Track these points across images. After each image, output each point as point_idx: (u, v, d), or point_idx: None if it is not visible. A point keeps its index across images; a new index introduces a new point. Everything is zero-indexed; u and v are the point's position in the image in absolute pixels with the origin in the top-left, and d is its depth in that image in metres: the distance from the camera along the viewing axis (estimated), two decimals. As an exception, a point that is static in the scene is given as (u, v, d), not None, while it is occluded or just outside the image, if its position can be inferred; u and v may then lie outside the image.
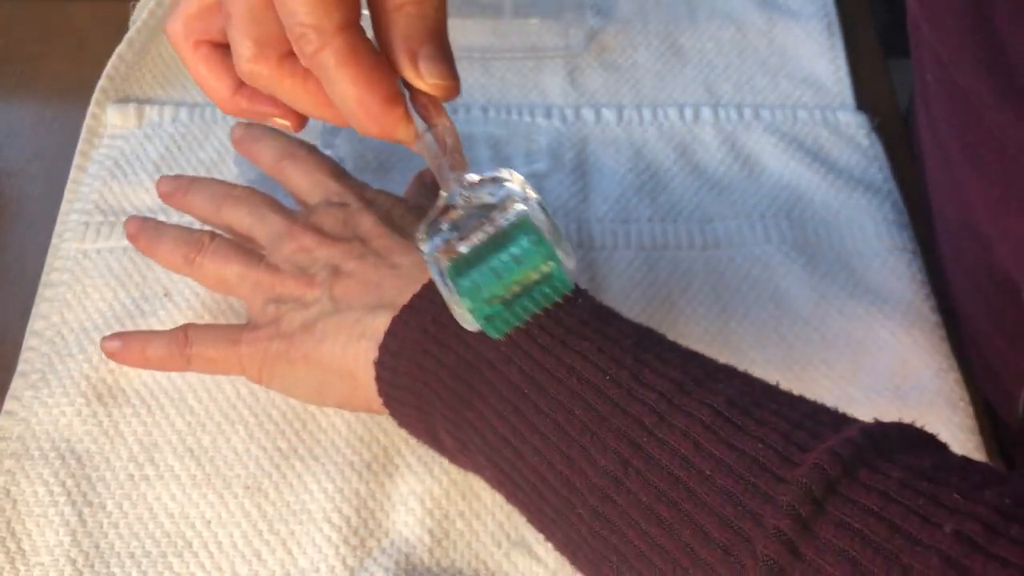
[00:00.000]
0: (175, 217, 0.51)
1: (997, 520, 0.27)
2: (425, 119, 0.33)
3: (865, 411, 0.34)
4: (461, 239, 0.32)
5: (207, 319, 0.48)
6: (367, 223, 0.43)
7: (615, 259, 0.51)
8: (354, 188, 0.46)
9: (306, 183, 0.46)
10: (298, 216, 0.45)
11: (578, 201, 0.52)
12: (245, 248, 0.45)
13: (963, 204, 0.47)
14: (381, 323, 0.40)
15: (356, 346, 0.40)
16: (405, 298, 0.40)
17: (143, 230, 0.47)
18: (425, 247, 0.33)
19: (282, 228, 0.44)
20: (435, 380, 0.38)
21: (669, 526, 0.31)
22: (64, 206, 0.52)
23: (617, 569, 0.33)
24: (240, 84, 0.37)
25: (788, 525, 0.29)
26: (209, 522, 0.43)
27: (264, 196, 0.46)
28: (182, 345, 0.44)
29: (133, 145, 0.54)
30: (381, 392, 0.40)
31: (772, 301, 0.49)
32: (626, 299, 0.49)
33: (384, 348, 0.39)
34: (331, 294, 0.42)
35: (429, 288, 0.39)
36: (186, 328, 0.44)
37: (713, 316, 0.49)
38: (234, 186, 0.47)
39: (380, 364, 0.39)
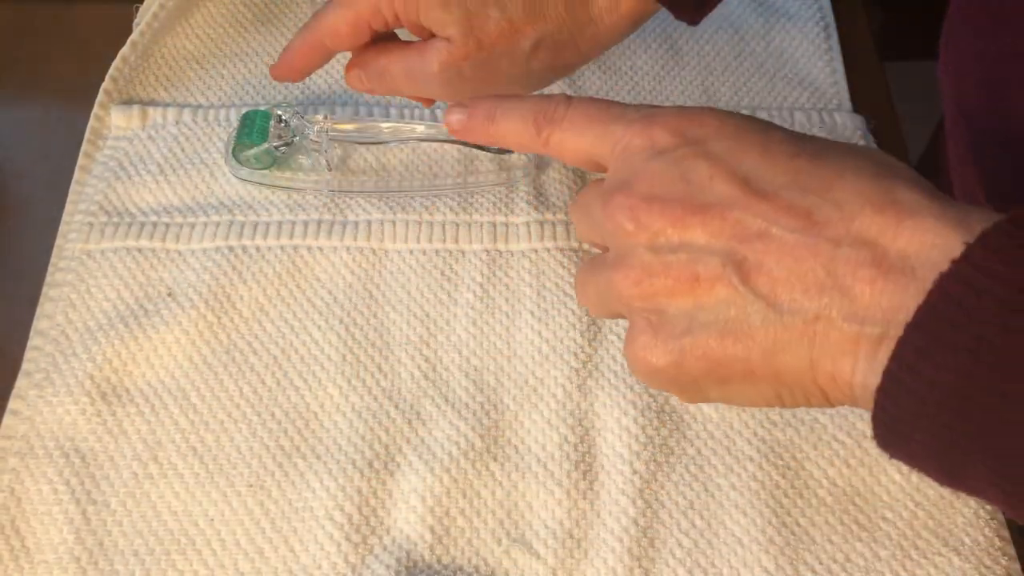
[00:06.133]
0: (179, 217, 0.51)
1: None
2: None
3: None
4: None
5: (210, 319, 0.48)
6: (727, 178, 0.32)
7: (614, 259, 0.51)
8: (661, 123, 0.34)
9: (587, 142, 0.36)
10: (619, 186, 0.33)
11: (577, 202, 0.53)
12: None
13: None
14: (868, 340, 0.29)
15: (836, 364, 0.30)
16: (886, 299, 0.29)
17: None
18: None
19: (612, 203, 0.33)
20: (980, 412, 0.27)
21: None
22: (68, 207, 0.52)
23: None
24: None
25: None
26: (212, 520, 0.43)
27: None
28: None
29: (137, 146, 0.54)
30: (879, 422, 0.30)
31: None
32: (625, 299, 0.50)
33: (893, 377, 0.29)
34: (754, 288, 0.31)
35: (941, 290, 0.28)
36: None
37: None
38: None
39: (883, 392, 0.29)
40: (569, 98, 0.36)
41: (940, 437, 0.28)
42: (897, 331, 0.28)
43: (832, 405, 0.32)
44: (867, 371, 0.29)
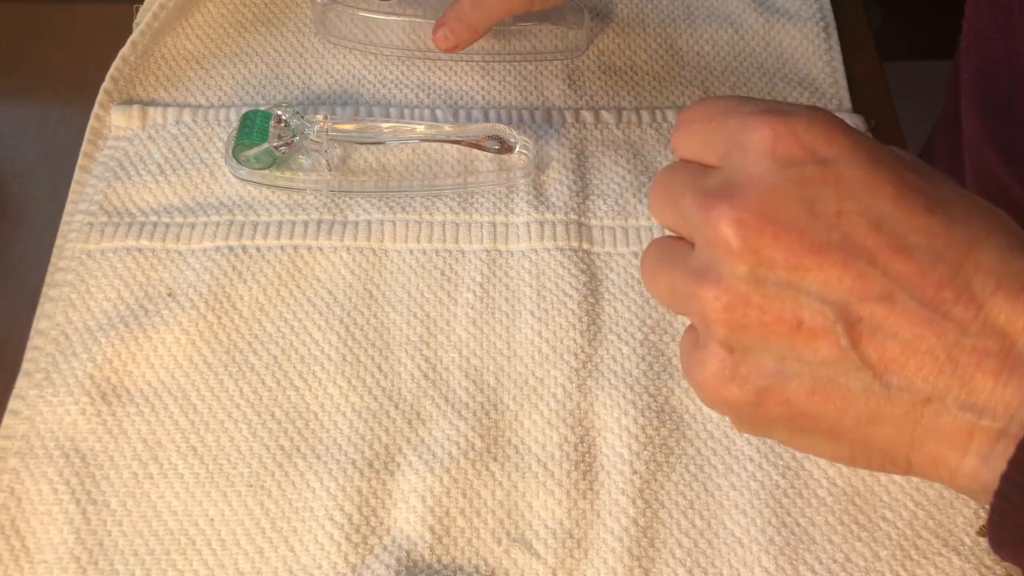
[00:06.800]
0: (179, 217, 0.51)
1: None
2: None
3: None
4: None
5: (211, 319, 0.48)
6: (856, 219, 0.28)
7: (615, 259, 0.51)
8: (787, 126, 0.29)
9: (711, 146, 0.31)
10: (727, 189, 0.29)
11: (578, 201, 0.53)
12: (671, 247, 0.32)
13: None
14: (984, 434, 0.28)
15: (941, 450, 0.29)
16: (1010, 393, 0.27)
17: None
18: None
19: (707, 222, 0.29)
20: None
21: None
22: (68, 207, 0.52)
23: None
24: None
25: None
26: (212, 520, 0.43)
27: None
28: None
29: (136, 146, 0.54)
30: (995, 527, 0.28)
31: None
32: (625, 299, 0.50)
33: (1014, 483, 0.27)
34: (863, 354, 0.28)
35: None
36: None
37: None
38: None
39: (1002, 498, 0.27)
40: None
41: None
42: (1019, 431, 0.27)
43: (912, 475, 0.30)
44: (979, 466, 0.28)
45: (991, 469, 0.27)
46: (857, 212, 0.28)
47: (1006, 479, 0.27)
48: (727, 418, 0.46)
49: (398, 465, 0.45)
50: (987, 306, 0.27)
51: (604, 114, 0.57)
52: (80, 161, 0.54)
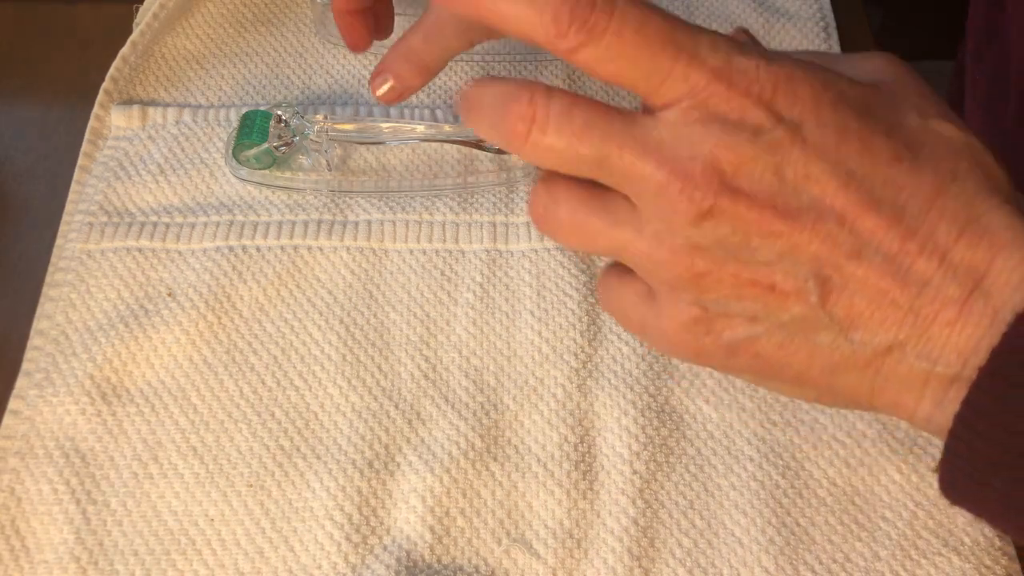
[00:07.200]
0: (179, 217, 0.51)
1: None
2: None
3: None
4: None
5: (211, 319, 0.48)
6: (825, 180, 0.28)
7: (614, 259, 0.51)
8: (747, 84, 0.28)
9: (639, 72, 0.29)
10: (666, 153, 0.28)
11: (577, 202, 0.53)
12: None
13: None
14: (938, 380, 0.28)
15: (899, 396, 0.29)
16: (963, 340, 0.28)
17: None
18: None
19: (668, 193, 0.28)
20: None
21: None
22: (68, 207, 0.52)
23: None
24: None
25: None
26: (212, 520, 0.43)
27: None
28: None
29: (137, 146, 0.54)
30: (948, 468, 0.29)
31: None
32: (625, 299, 0.50)
33: (966, 423, 0.28)
34: (831, 311, 0.29)
35: (1018, 333, 0.27)
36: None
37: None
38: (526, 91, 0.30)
39: (955, 439, 0.28)
40: None
41: (1018, 490, 0.27)
42: (971, 374, 0.27)
43: (876, 413, 0.31)
44: (934, 411, 0.29)
45: (945, 413, 0.28)
46: (825, 172, 0.28)
47: (959, 419, 0.27)
48: (727, 418, 0.46)
49: (398, 465, 0.45)
50: (950, 254, 0.28)
51: (604, 114, 0.56)
52: (80, 161, 0.54)
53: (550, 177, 0.32)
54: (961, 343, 0.28)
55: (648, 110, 0.29)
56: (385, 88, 0.47)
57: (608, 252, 0.32)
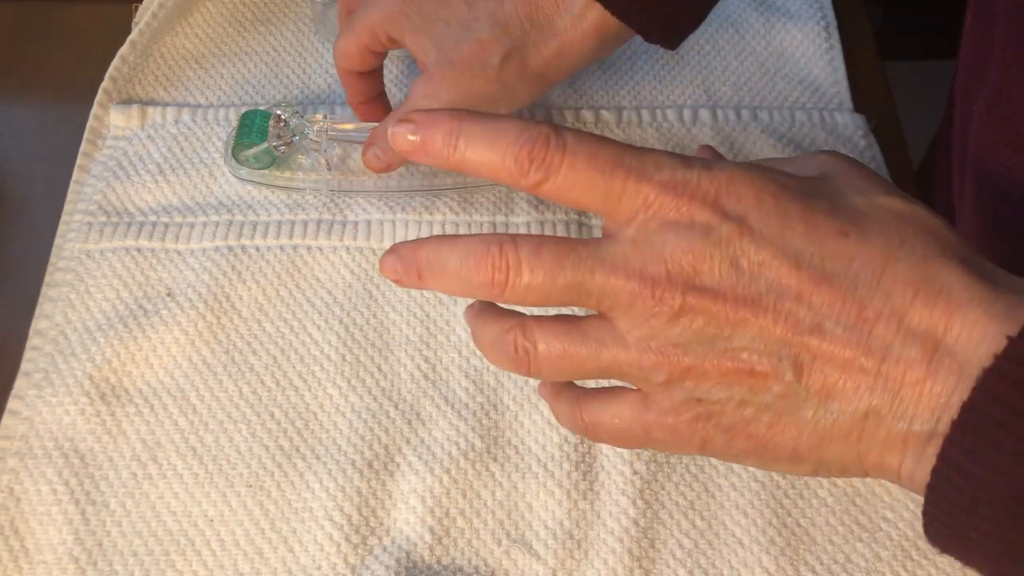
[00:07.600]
0: (178, 217, 0.51)
1: None
2: None
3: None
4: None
5: (210, 319, 0.48)
6: (776, 263, 0.30)
7: (614, 259, 0.51)
8: (692, 190, 0.31)
9: (595, 198, 0.32)
10: (633, 266, 0.31)
11: (577, 202, 0.53)
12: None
13: None
14: (916, 438, 0.29)
15: (883, 457, 0.30)
16: (935, 398, 0.29)
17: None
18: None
19: (638, 299, 0.31)
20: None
21: None
22: (67, 207, 0.52)
23: None
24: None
25: None
26: (211, 520, 0.43)
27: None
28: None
29: (136, 146, 0.54)
30: (930, 519, 0.30)
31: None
32: (625, 299, 0.50)
33: (942, 476, 0.29)
34: (807, 386, 0.30)
35: (985, 387, 0.28)
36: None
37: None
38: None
39: (933, 491, 0.29)
40: (559, 132, 0.31)
41: (996, 538, 0.28)
42: (945, 429, 0.28)
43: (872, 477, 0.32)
44: (914, 468, 0.30)
45: (924, 469, 0.29)
46: (775, 256, 0.30)
47: (935, 473, 0.29)
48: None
49: (398, 465, 0.45)
50: (908, 316, 0.29)
51: (604, 113, 0.57)
52: (79, 161, 0.54)
53: (519, 326, 0.35)
54: (932, 400, 0.29)
55: (609, 232, 0.32)
56: (372, 156, 0.50)
57: (597, 373, 0.33)
